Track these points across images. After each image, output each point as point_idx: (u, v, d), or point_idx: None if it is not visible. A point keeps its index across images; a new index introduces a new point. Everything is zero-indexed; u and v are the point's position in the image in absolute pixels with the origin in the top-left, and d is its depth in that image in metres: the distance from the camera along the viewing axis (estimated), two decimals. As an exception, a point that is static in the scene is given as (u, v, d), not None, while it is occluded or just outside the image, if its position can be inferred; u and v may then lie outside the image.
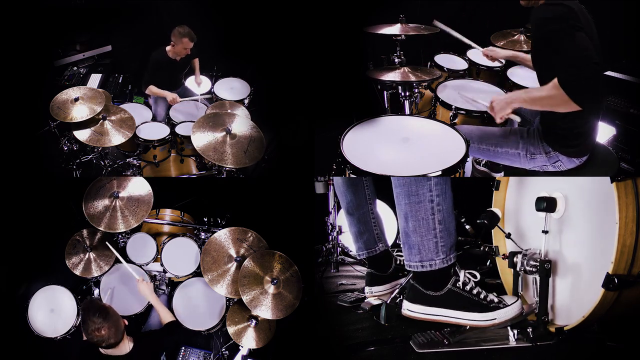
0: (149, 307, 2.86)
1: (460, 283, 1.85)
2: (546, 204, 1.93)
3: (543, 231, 1.96)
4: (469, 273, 1.89)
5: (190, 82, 4.24)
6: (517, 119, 2.38)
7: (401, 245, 1.95)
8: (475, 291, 1.85)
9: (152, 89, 3.84)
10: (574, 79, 1.98)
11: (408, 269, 1.91)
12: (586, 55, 1.97)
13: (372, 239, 2.40)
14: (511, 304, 1.85)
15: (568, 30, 1.98)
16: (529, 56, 2.78)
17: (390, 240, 2.53)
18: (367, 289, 2.38)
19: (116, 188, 2.75)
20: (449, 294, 1.84)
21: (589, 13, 2.14)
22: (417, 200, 1.82)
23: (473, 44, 3.22)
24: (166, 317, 2.58)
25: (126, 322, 2.28)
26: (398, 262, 2.43)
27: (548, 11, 2.06)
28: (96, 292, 2.84)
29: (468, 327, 1.87)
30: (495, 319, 1.82)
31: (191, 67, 4.16)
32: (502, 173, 2.99)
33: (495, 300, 1.86)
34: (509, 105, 2.27)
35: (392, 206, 3.50)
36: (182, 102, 3.85)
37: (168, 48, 3.81)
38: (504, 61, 3.29)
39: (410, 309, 1.91)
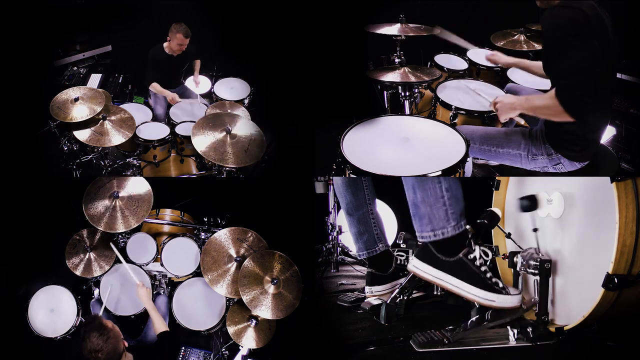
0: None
1: (472, 256, 1.87)
2: (530, 203, 1.96)
3: (533, 229, 1.99)
4: (483, 250, 1.90)
5: (190, 82, 4.24)
6: (521, 120, 2.38)
7: (412, 219, 1.95)
8: (483, 268, 1.87)
9: (156, 87, 3.87)
10: (569, 90, 1.96)
11: (421, 240, 1.92)
12: (586, 66, 1.94)
13: (372, 239, 2.41)
14: (513, 294, 1.87)
15: (574, 39, 1.94)
16: (532, 63, 2.74)
17: (390, 240, 2.53)
18: (367, 288, 2.38)
19: (116, 188, 2.75)
20: (458, 263, 1.87)
21: (605, 10, 2.08)
22: None
23: (469, 46, 3.21)
24: (160, 326, 2.48)
25: (126, 344, 2.18)
26: (398, 262, 2.43)
27: (558, 16, 1.99)
28: (96, 292, 2.84)
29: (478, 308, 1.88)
30: (494, 301, 1.84)
31: (191, 67, 4.16)
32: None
33: (500, 285, 1.88)
34: (512, 111, 2.28)
35: (392, 206, 3.54)
36: (182, 102, 3.85)
37: (165, 44, 3.84)
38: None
39: (417, 266, 1.93)
